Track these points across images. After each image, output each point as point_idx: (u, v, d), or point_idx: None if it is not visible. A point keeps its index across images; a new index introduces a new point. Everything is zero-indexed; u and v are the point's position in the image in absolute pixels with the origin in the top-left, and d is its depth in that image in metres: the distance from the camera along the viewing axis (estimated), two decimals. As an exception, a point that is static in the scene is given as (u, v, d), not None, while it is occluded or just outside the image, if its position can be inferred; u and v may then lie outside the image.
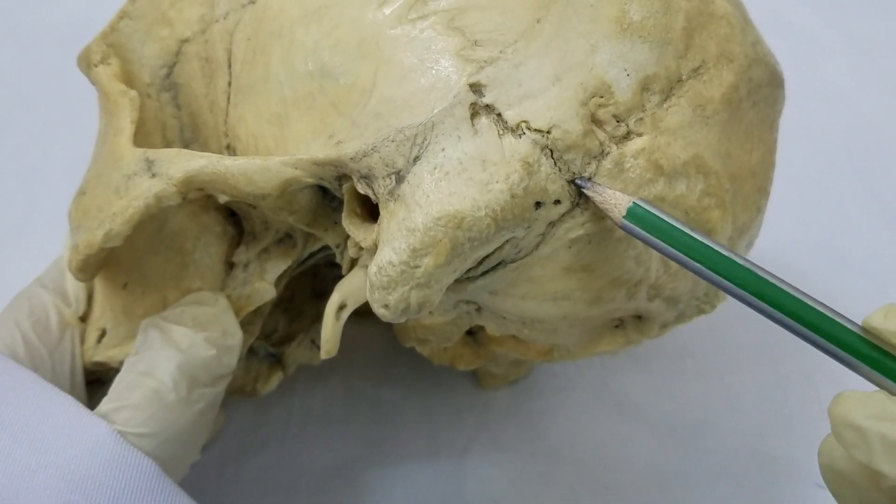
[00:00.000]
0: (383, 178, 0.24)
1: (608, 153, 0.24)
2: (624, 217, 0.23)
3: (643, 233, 0.23)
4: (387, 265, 0.23)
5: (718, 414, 0.40)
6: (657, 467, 0.38)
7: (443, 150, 0.23)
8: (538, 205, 0.24)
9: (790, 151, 0.34)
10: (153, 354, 0.27)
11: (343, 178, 0.25)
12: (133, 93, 0.28)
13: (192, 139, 0.30)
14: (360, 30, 0.25)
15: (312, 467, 0.38)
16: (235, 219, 0.31)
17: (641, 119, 0.25)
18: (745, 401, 0.41)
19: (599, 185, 0.24)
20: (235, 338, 0.29)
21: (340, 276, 0.36)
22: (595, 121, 0.24)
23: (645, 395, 0.41)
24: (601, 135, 0.24)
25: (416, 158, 0.23)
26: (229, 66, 0.28)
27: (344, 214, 0.26)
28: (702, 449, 0.39)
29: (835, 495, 0.21)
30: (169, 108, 0.30)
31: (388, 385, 0.41)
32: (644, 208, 0.23)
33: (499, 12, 0.24)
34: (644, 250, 0.26)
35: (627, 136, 0.24)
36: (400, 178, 0.24)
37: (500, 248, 0.24)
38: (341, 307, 0.27)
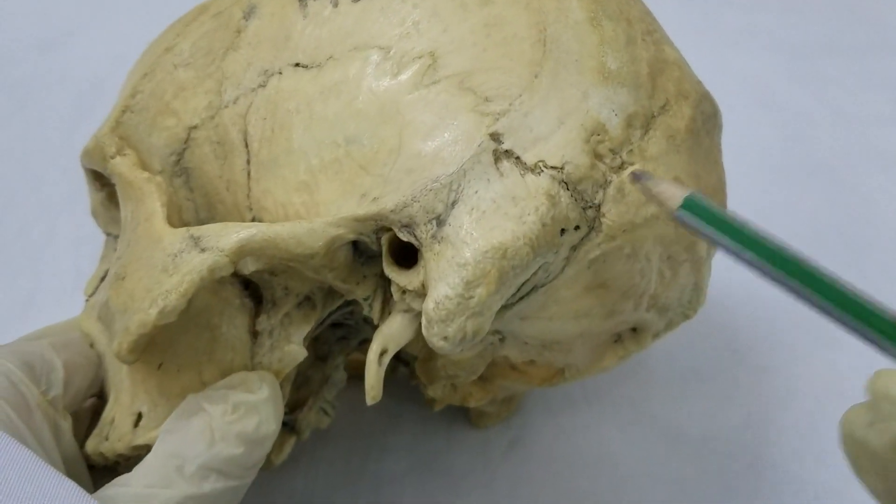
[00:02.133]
0: (424, 224, 0.26)
1: (611, 182, 0.28)
2: (680, 207, 0.25)
3: (696, 222, 0.25)
4: (444, 299, 0.26)
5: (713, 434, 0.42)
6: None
7: (476, 192, 0.26)
8: (563, 231, 0.27)
9: (779, 225, 0.35)
10: (183, 438, 0.27)
11: (381, 230, 0.28)
12: (158, 178, 0.29)
13: (207, 218, 0.31)
14: (378, 98, 0.28)
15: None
16: (250, 290, 0.32)
17: (631, 150, 0.29)
18: (749, 417, 0.43)
19: (656, 178, 0.27)
20: (270, 428, 0.29)
21: (342, 338, 0.37)
22: (596, 155, 0.28)
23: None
24: (602, 167, 0.28)
25: (454, 203, 0.26)
26: (246, 146, 0.30)
27: (385, 263, 0.28)
28: (702, 465, 0.41)
29: (853, 463, 0.23)
30: (182, 191, 0.31)
31: (390, 459, 0.42)
32: (696, 201, 0.25)
33: (501, 72, 0.28)
34: (645, 264, 0.30)
35: (622, 165, 0.28)
36: (441, 221, 0.26)
37: (534, 273, 0.27)
38: (383, 353, 0.29)
